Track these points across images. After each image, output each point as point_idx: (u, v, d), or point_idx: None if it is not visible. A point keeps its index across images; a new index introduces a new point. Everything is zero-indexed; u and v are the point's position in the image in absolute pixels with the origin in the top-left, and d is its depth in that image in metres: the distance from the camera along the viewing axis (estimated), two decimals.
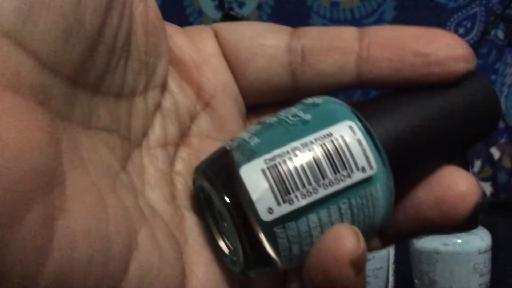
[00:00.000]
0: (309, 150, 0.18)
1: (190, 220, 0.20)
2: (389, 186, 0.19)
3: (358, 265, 0.17)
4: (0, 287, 0.14)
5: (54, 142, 0.15)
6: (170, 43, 0.21)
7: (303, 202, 0.18)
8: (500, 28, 0.81)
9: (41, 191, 0.14)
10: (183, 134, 0.21)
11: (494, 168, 0.84)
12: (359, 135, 0.18)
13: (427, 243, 0.48)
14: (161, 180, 0.20)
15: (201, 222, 0.20)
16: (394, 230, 0.21)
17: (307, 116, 0.19)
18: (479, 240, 0.48)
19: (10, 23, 0.14)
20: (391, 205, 0.19)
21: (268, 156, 0.18)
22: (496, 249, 0.49)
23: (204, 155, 0.20)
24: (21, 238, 0.14)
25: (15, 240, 0.14)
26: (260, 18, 0.82)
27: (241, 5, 0.83)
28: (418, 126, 0.19)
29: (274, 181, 0.18)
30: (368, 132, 0.19)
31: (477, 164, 0.84)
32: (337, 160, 0.18)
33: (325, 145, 0.18)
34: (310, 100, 0.20)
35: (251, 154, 0.18)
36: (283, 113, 0.19)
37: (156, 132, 0.20)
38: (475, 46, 0.80)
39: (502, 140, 0.83)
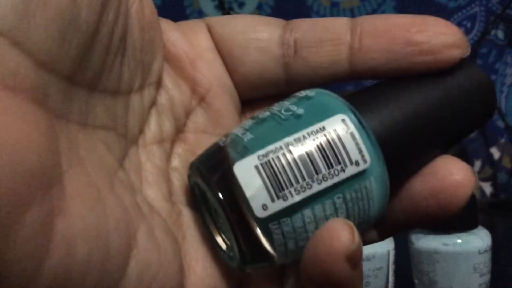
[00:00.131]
0: (302, 145, 0.18)
1: (187, 216, 0.20)
2: (383, 179, 0.19)
3: (354, 259, 0.17)
4: (0, 286, 0.14)
5: (52, 141, 0.15)
6: (164, 39, 0.21)
7: (297, 198, 0.18)
8: (500, 28, 0.81)
9: (40, 191, 0.14)
10: (179, 130, 0.21)
11: (494, 168, 0.84)
12: (352, 128, 0.18)
13: (427, 243, 0.48)
14: (158, 177, 0.20)
15: (198, 218, 0.20)
16: (390, 222, 0.20)
17: (300, 110, 0.19)
18: (479, 240, 0.47)
19: (6, 22, 0.14)
20: (386, 198, 0.19)
21: (261, 152, 0.18)
22: (496, 249, 0.49)
23: (200, 151, 0.20)
24: (21, 238, 0.14)
25: (14, 240, 0.14)
26: None
27: (241, 5, 0.83)
28: (412, 117, 0.19)
29: (268, 178, 0.18)
30: (361, 124, 0.19)
31: (477, 164, 0.84)
32: (330, 154, 0.18)
33: (318, 140, 0.18)
34: (303, 93, 0.20)
35: (244, 151, 0.18)
36: (275, 107, 0.19)
37: (152, 129, 0.20)
38: (475, 46, 0.80)
39: (502, 140, 0.83)
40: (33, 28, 0.14)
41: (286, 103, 0.19)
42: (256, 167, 0.18)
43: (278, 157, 0.18)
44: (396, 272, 0.49)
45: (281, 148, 0.18)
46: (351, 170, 0.18)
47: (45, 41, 0.15)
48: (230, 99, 0.21)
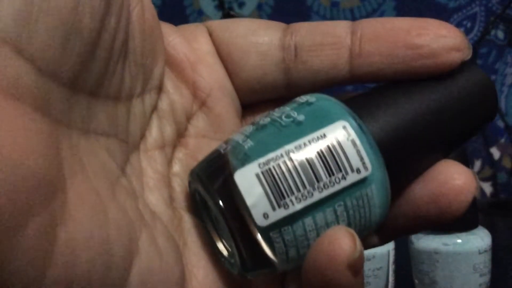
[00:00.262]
0: (303, 153, 0.18)
1: (189, 222, 0.20)
2: (384, 185, 0.19)
3: (356, 267, 0.17)
4: None
5: (54, 149, 0.15)
6: (165, 43, 0.20)
7: (298, 206, 0.18)
8: (500, 28, 0.81)
9: (43, 198, 0.14)
10: (180, 135, 0.21)
11: (494, 168, 0.84)
12: (353, 135, 0.18)
13: (427, 243, 0.48)
14: (159, 183, 0.20)
15: (199, 224, 0.20)
16: (391, 227, 0.20)
17: (301, 117, 0.19)
18: (479, 240, 0.47)
19: (8, 29, 0.14)
20: (387, 204, 0.19)
21: (262, 160, 0.18)
22: (496, 249, 0.49)
23: (200, 155, 0.20)
24: (23, 246, 0.14)
25: (17, 248, 0.14)
26: (260, 18, 0.82)
27: (241, 5, 0.83)
28: (413, 121, 0.19)
29: (269, 186, 0.18)
30: (362, 130, 0.18)
31: (477, 164, 0.83)
32: (331, 162, 0.18)
33: (319, 147, 0.18)
34: (303, 99, 0.19)
35: (245, 158, 0.18)
36: (276, 113, 0.19)
37: (153, 134, 0.20)
38: (475, 46, 0.80)
39: (502, 140, 0.83)
40: (35, 35, 0.14)
41: (287, 109, 0.19)
42: (257, 175, 0.18)
43: (279, 165, 0.18)
44: (396, 272, 0.49)
45: (282, 156, 0.18)
46: (352, 178, 0.18)
47: (47, 49, 0.15)
48: (231, 103, 0.21)
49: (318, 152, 0.18)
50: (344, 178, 0.18)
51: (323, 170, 0.18)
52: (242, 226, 0.18)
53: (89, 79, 0.17)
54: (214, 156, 0.19)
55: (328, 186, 0.18)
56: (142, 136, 0.20)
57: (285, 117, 0.19)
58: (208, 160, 0.19)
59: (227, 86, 0.21)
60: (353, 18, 0.82)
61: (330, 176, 0.18)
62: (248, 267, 0.18)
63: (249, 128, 0.19)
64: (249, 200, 0.17)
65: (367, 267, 0.47)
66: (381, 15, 0.82)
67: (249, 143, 0.18)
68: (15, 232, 0.14)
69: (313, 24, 0.21)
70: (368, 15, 0.82)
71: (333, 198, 0.18)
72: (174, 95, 0.21)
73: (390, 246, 0.48)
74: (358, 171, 0.18)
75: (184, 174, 0.21)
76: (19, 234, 0.14)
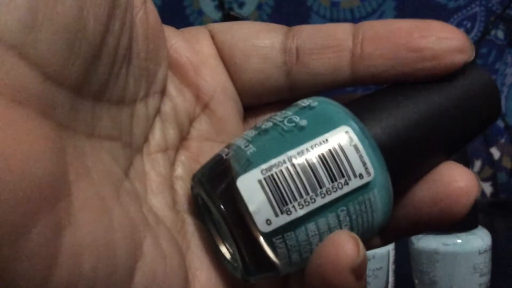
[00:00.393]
0: (306, 159, 0.18)
1: (192, 225, 0.20)
2: (387, 190, 0.19)
3: (359, 271, 0.17)
4: None
5: (59, 153, 0.15)
6: (167, 46, 0.20)
7: (301, 212, 0.18)
8: (500, 28, 0.81)
9: (48, 203, 0.14)
10: (183, 138, 0.21)
11: (494, 168, 0.84)
12: (356, 140, 0.18)
13: (427, 243, 0.48)
14: (162, 186, 0.20)
15: (202, 227, 0.20)
16: (394, 229, 0.20)
17: (303, 122, 0.19)
18: (479, 240, 0.47)
19: (14, 34, 0.14)
20: (390, 207, 0.19)
21: (264, 166, 0.18)
22: (496, 249, 0.49)
23: (203, 158, 0.20)
24: (28, 250, 0.14)
25: (22, 252, 0.14)
26: (260, 18, 0.82)
27: (241, 5, 0.83)
28: (416, 124, 0.19)
29: (271, 192, 0.18)
30: (364, 135, 0.18)
31: (477, 164, 0.84)
32: (334, 168, 0.18)
33: (322, 153, 0.18)
34: (305, 103, 0.19)
35: (247, 164, 0.18)
36: (278, 117, 0.19)
37: (156, 137, 0.20)
38: (475, 46, 0.80)
39: (502, 140, 0.83)
40: (40, 40, 0.14)
41: (289, 113, 0.19)
42: (260, 182, 0.18)
43: (281, 171, 0.18)
44: (396, 272, 0.49)
45: (284, 161, 0.18)
46: (354, 183, 0.18)
47: (52, 54, 0.15)
48: (233, 106, 0.21)
49: (320, 158, 0.18)
50: (346, 183, 0.18)
51: (325, 175, 0.18)
52: (245, 231, 0.18)
53: (93, 84, 0.17)
54: (216, 161, 0.19)
55: (330, 192, 0.18)
56: (146, 139, 0.20)
57: (287, 121, 0.19)
58: (210, 165, 0.19)
59: (229, 89, 0.21)
60: (353, 18, 0.82)
61: (332, 181, 0.18)
62: (251, 271, 0.18)
63: (251, 133, 0.19)
64: (251, 207, 0.17)
65: (367, 267, 0.47)
66: (381, 15, 0.82)
67: (251, 149, 0.18)
68: (20, 236, 0.14)
69: (315, 26, 0.21)
70: (368, 15, 0.82)
71: (336, 204, 0.18)
72: (177, 98, 0.21)
73: (390, 246, 0.48)
74: (361, 176, 0.18)
75: (187, 177, 0.21)
76: (24, 238, 0.14)
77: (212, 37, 0.22)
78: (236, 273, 0.19)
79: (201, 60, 0.21)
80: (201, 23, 0.83)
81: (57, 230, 0.15)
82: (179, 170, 0.21)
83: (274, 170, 0.18)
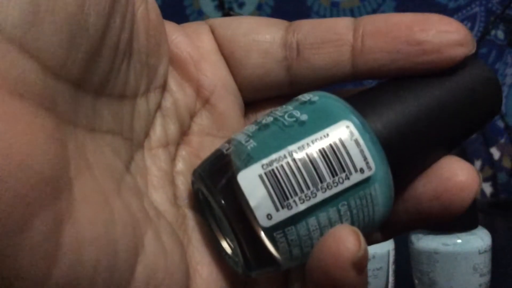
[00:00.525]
0: (306, 154, 0.18)
1: (192, 220, 0.20)
2: (388, 184, 0.19)
3: (360, 265, 0.17)
4: None
5: (60, 147, 0.15)
6: (168, 41, 0.20)
7: (301, 207, 0.18)
8: (500, 28, 0.82)
9: (49, 197, 0.14)
10: (183, 133, 0.21)
11: (494, 168, 0.84)
12: (356, 135, 0.18)
13: (427, 243, 0.48)
14: (163, 181, 0.20)
15: (203, 222, 0.20)
16: (394, 223, 0.20)
17: (304, 117, 0.19)
18: (479, 240, 0.47)
19: (15, 28, 0.14)
20: (391, 202, 0.19)
21: (265, 161, 0.18)
22: (496, 249, 0.49)
23: (204, 153, 0.20)
24: (30, 244, 0.14)
25: (23, 246, 0.14)
26: None
27: (241, 5, 0.83)
28: (417, 118, 0.19)
29: (272, 187, 0.18)
30: (365, 129, 0.18)
31: (477, 164, 0.84)
32: (335, 162, 0.18)
33: (322, 148, 0.18)
34: (306, 97, 0.19)
35: (248, 159, 0.18)
36: (279, 112, 0.19)
37: (157, 132, 0.20)
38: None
39: (502, 140, 0.83)
40: (41, 34, 0.14)
41: (290, 108, 0.19)
42: (260, 176, 0.18)
43: (282, 166, 0.18)
44: (396, 272, 0.49)
45: (285, 156, 0.18)
46: (355, 178, 0.18)
47: (53, 48, 0.15)
48: (234, 101, 0.21)
49: (321, 152, 0.18)
50: (347, 178, 0.18)
51: (326, 170, 0.18)
52: (246, 226, 0.18)
53: (94, 78, 0.17)
54: (217, 156, 0.19)
55: (331, 187, 0.18)
56: (146, 134, 0.20)
57: (288, 116, 0.19)
58: (211, 160, 0.19)
59: (230, 84, 0.21)
60: None
61: (333, 176, 0.18)
62: (252, 266, 0.18)
63: (251, 128, 0.19)
64: (252, 202, 0.17)
65: (367, 267, 0.47)
66: None
67: (252, 144, 0.18)
68: (21, 231, 0.14)
69: (315, 21, 0.21)
70: (368, 15, 0.82)
71: (337, 198, 0.18)
72: (178, 93, 0.21)
73: (390, 246, 0.48)
74: (362, 171, 0.18)
75: (188, 172, 0.21)
76: (24, 233, 0.14)
77: (213, 32, 0.22)
78: (237, 268, 0.19)
79: (202, 55, 0.21)
80: None
81: (58, 224, 0.14)
82: (180, 165, 0.21)
83: (275, 165, 0.18)
